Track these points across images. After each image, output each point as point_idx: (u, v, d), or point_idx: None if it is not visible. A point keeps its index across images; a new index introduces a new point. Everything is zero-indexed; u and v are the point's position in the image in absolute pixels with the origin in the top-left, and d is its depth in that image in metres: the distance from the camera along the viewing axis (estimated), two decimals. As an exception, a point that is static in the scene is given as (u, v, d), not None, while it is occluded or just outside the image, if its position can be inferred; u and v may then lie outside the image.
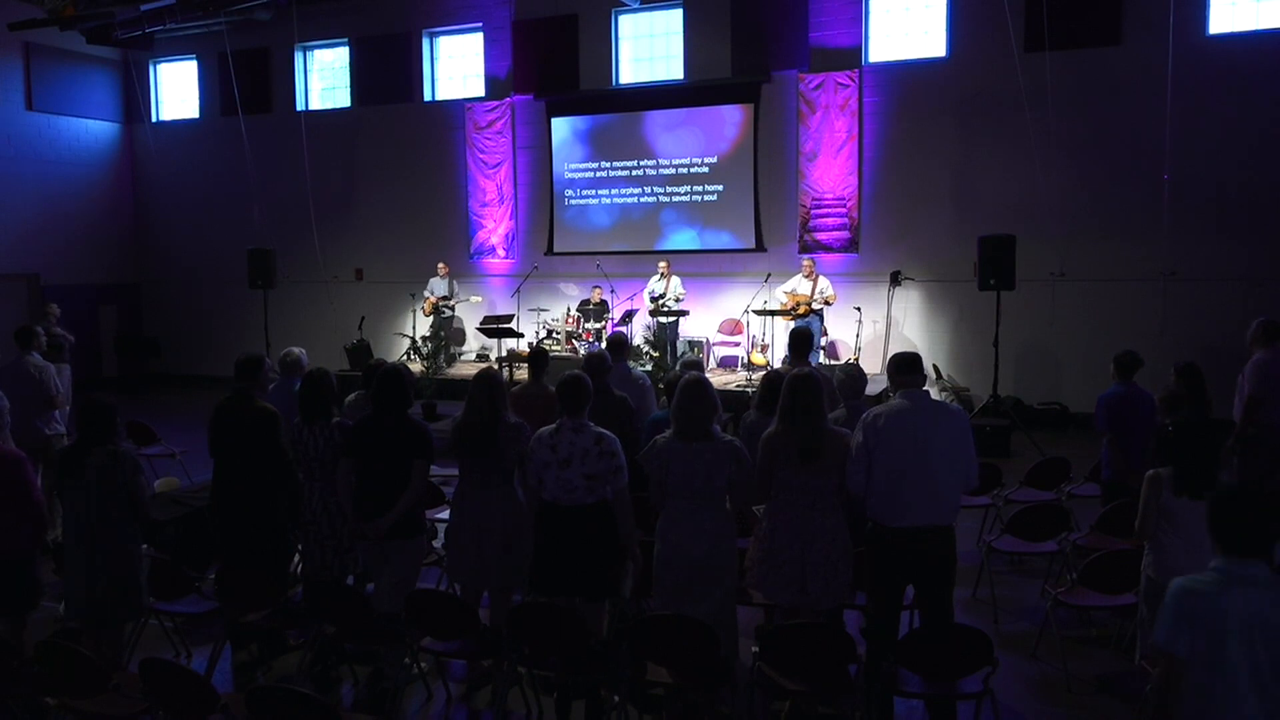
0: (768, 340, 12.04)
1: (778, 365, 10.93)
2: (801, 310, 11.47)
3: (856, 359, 11.88)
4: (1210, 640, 2.75)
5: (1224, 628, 2.74)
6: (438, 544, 5.54)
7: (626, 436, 4.87)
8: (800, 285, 11.67)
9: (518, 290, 13.44)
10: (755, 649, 4.11)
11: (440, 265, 13.70)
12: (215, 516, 5.31)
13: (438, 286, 13.60)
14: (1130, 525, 4.62)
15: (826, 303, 11.54)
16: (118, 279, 16.91)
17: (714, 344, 13.06)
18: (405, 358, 13.55)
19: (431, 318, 13.50)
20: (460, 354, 14.11)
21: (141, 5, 13.22)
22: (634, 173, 13.85)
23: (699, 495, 4.31)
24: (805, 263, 11.81)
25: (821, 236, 12.75)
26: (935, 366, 12.18)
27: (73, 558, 4.52)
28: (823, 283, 11.60)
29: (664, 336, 12.31)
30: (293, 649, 5.27)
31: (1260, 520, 2.77)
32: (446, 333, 13.56)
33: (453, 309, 13.68)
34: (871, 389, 7.97)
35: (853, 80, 12.40)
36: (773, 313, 11.64)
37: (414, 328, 13.76)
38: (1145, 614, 4.36)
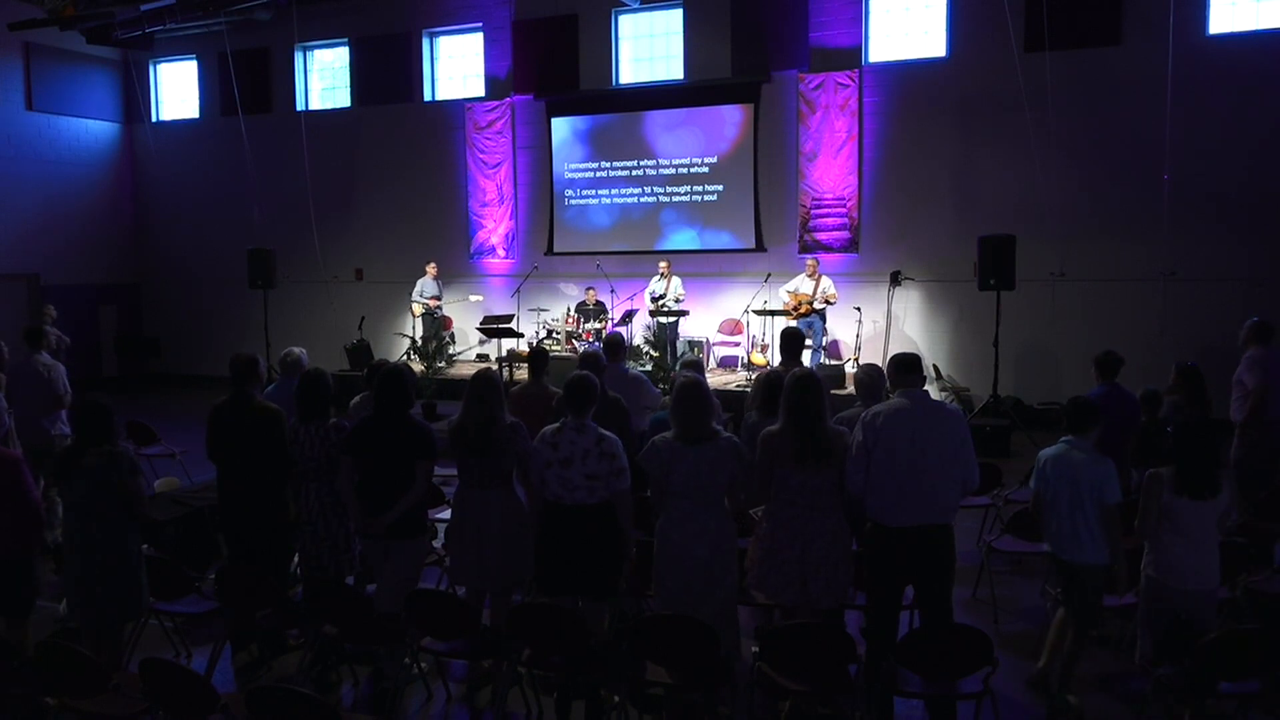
0: (768, 340, 12.03)
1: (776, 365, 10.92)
2: (803, 310, 11.47)
3: (856, 359, 11.89)
4: (1053, 483, 4.58)
5: (1060, 476, 4.56)
6: (438, 544, 5.54)
7: (622, 436, 4.87)
8: (803, 284, 11.67)
9: (518, 290, 13.44)
10: (755, 649, 4.11)
11: (429, 265, 13.69)
12: (221, 517, 5.31)
13: (427, 287, 13.58)
14: (1126, 525, 4.62)
15: (828, 302, 11.54)
16: (118, 279, 16.91)
17: (714, 344, 13.07)
18: (405, 358, 13.56)
19: (422, 319, 13.49)
20: (459, 354, 14.10)
21: (141, 5, 13.23)
22: (634, 173, 13.85)
23: (701, 495, 4.31)
24: (809, 262, 11.80)
25: (821, 236, 12.75)
26: (935, 366, 12.18)
27: (71, 558, 4.52)
28: (825, 282, 11.59)
29: (664, 336, 12.31)
30: (293, 649, 5.27)
31: (1089, 418, 4.64)
32: (439, 333, 13.54)
33: (441, 308, 13.64)
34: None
35: (853, 80, 12.40)
36: (774, 312, 11.64)
37: (414, 328, 13.76)
38: (1145, 613, 4.35)
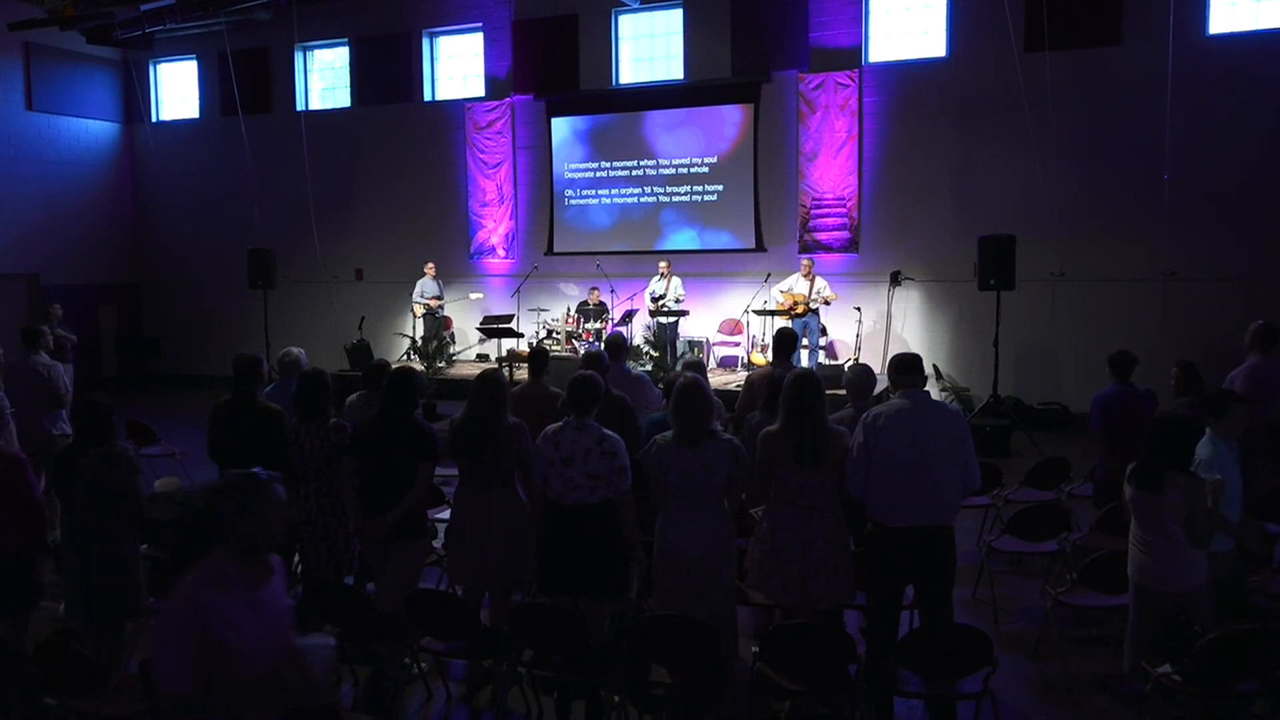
0: (767, 340, 12.03)
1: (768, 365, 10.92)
2: (799, 310, 11.46)
3: (856, 359, 11.88)
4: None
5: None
6: (438, 544, 5.54)
7: (625, 434, 4.88)
8: (798, 284, 11.66)
9: (518, 290, 13.44)
10: (755, 649, 4.11)
11: (428, 265, 13.69)
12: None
13: (428, 287, 13.58)
14: (1128, 525, 4.62)
15: (825, 302, 11.53)
16: (118, 279, 16.92)
17: (714, 344, 13.06)
18: (405, 358, 13.55)
19: (423, 319, 13.49)
20: (458, 354, 14.09)
21: (141, 5, 13.23)
22: (634, 173, 13.85)
23: (698, 494, 4.31)
24: (804, 262, 11.80)
25: (821, 236, 12.75)
26: (935, 366, 12.18)
27: (70, 558, 4.52)
28: (820, 283, 11.59)
29: (664, 337, 12.31)
30: (293, 649, 5.26)
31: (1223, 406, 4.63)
32: (440, 333, 13.54)
33: (443, 308, 13.64)
34: (872, 389, 7.96)
35: (853, 80, 12.40)
36: (773, 313, 11.64)
37: (414, 328, 13.76)
38: (1132, 616, 4.33)
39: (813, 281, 11.58)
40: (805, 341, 11.64)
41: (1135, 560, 4.25)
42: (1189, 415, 4.42)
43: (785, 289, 11.73)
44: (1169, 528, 4.12)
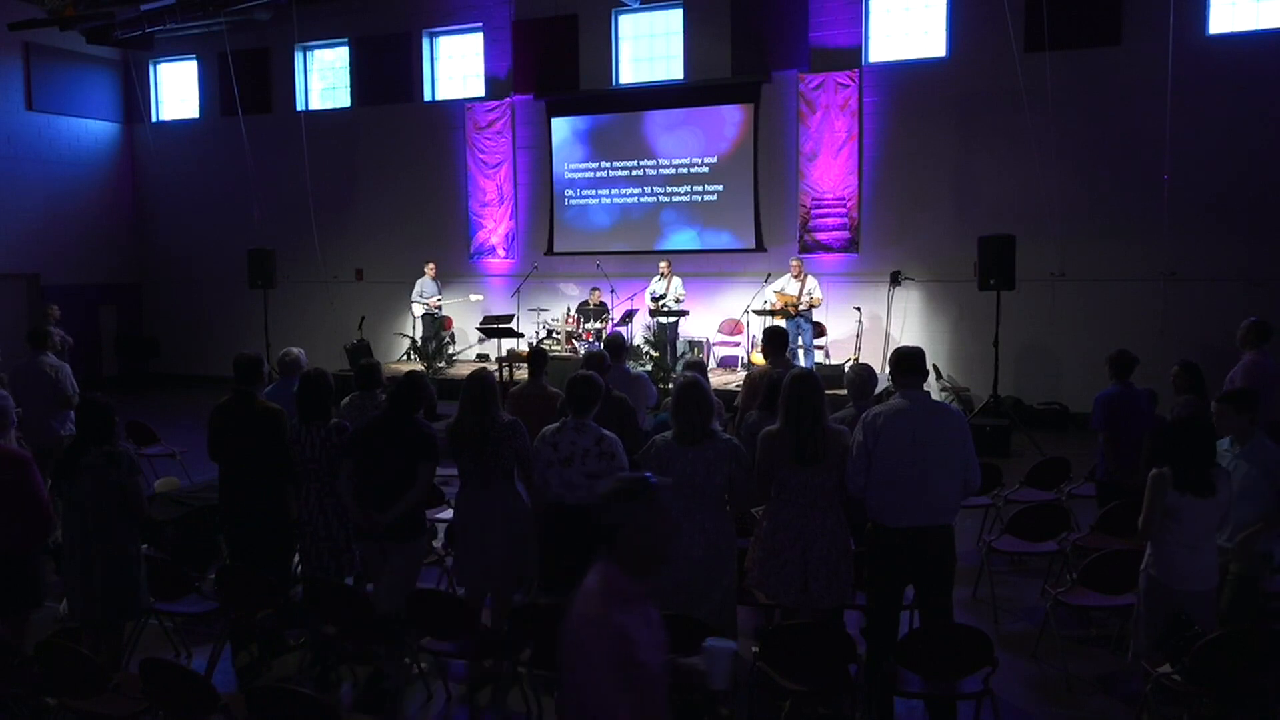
0: (767, 340, 12.01)
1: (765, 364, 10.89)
2: (791, 312, 11.42)
3: (856, 359, 11.87)
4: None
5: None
6: (438, 544, 5.55)
7: (626, 435, 4.88)
8: (789, 285, 11.63)
9: (518, 290, 13.44)
10: (755, 649, 4.11)
11: (429, 265, 13.69)
12: (223, 517, 5.32)
13: (427, 287, 13.58)
14: (1129, 525, 4.61)
15: (812, 305, 11.48)
16: (118, 279, 16.91)
17: (714, 344, 13.06)
18: (405, 358, 13.56)
19: (422, 319, 13.48)
20: (458, 354, 14.09)
21: (141, 5, 13.24)
22: (634, 173, 13.85)
23: (698, 495, 4.31)
24: (793, 262, 11.78)
25: (821, 236, 12.74)
26: (935, 366, 12.17)
27: (71, 558, 4.52)
28: (810, 283, 11.55)
29: (664, 337, 12.29)
30: (293, 649, 5.27)
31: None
32: (439, 333, 13.53)
33: (440, 308, 13.63)
34: (872, 389, 7.95)
35: (853, 80, 12.40)
36: (773, 313, 11.62)
37: (414, 328, 13.76)
38: (1143, 612, 4.33)
39: (803, 282, 11.54)
40: (800, 341, 11.62)
41: (1162, 561, 4.23)
42: (1195, 415, 4.46)
43: (778, 290, 11.72)
44: (1213, 528, 4.20)
